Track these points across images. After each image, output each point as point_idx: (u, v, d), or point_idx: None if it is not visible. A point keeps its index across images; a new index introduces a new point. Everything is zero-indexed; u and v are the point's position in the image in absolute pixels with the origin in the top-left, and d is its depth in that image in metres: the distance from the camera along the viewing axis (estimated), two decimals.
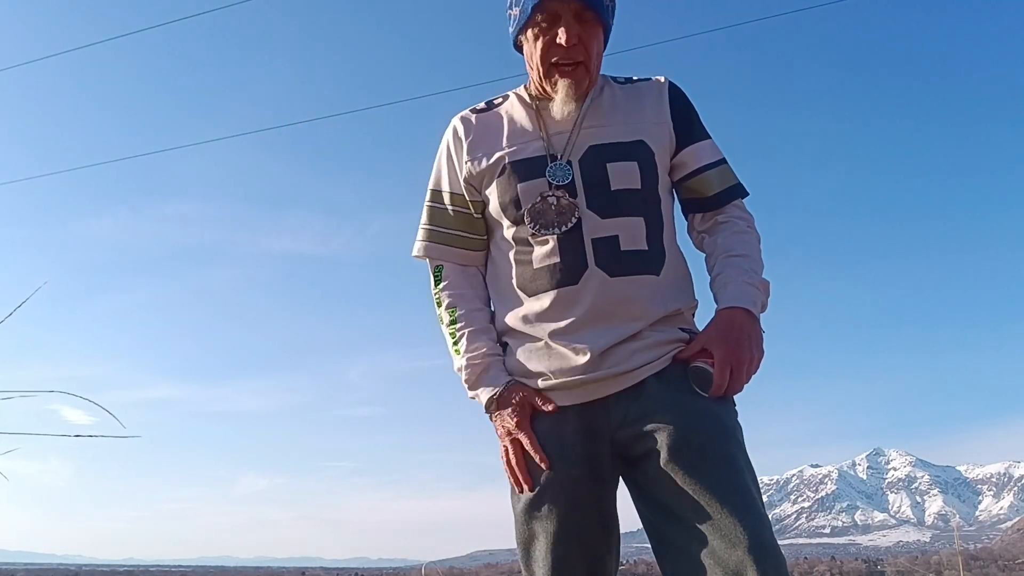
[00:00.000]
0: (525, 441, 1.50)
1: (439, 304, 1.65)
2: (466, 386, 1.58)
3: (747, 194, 1.65)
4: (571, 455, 1.48)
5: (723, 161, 1.64)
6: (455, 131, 1.66)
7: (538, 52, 1.56)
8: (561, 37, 1.52)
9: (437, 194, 1.68)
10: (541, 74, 1.58)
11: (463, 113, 1.69)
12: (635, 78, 1.69)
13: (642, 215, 1.52)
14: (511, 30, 1.63)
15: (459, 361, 1.59)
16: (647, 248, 1.51)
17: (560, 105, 1.56)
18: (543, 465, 1.49)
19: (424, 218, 1.69)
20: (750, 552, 1.31)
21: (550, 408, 1.51)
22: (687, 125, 1.62)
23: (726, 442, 1.42)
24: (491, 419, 1.55)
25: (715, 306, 1.54)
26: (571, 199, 1.51)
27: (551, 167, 1.53)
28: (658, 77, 1.68)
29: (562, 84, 1.55)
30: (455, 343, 1.61)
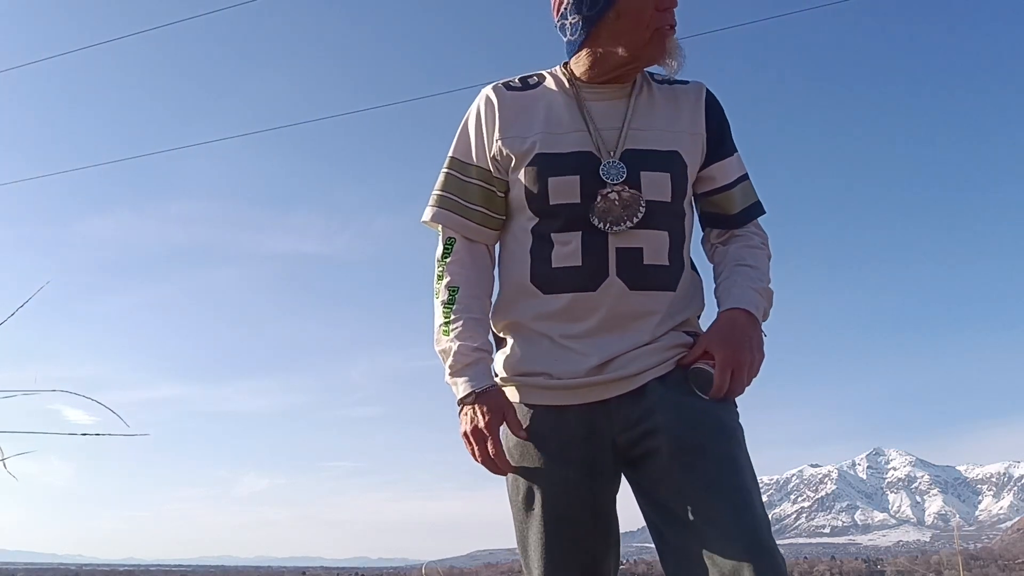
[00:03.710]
0: (490, 445, 1.44)
1: (440, 277, 1.57)
2: (447, 370, 1.52)
3: (764, 212, 1.64)
4: (569, 457, 1.47)
5: (746, 177, 1.63)
6: (488, 102, 1.57)
7: (646, 20, 1.48)
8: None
9: (460, 164, 1.58)
10: (645, 42, 1.50)
11: (497, 85, 1.60)
12: (674, 79, 1.63)
13: (667, 229, 1.50)
14: (590, 11, 1.51)
15: (447, 344, 1.52)
16: (668, 263, 1.49)
17: (676, 64, 1.53)
18: (507, 471, 1.48)
19: (440, 184, 1.59)
20: (747, 552, 1.29)
21: (522, 435, 1.48)
22: (719, 139, 1.60)
23: (726, 442, 1.41)
24: (460, 411, 1.49)
25: (717, 310, 1.54)
26: (632, 190, 1.46)
27: (605, 165, 1.47)
28: (696, 81, 1.65)
29: (672, 42, 1.52)
30: (446, 323, 1.53)
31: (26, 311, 1.71)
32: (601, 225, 1.46)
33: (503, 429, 1.50)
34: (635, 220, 1.45)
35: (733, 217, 1.61)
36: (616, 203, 1.46)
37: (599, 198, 1.46)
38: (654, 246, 1.48)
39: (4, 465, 1.63)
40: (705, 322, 1.57)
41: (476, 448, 1.46)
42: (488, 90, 1.59)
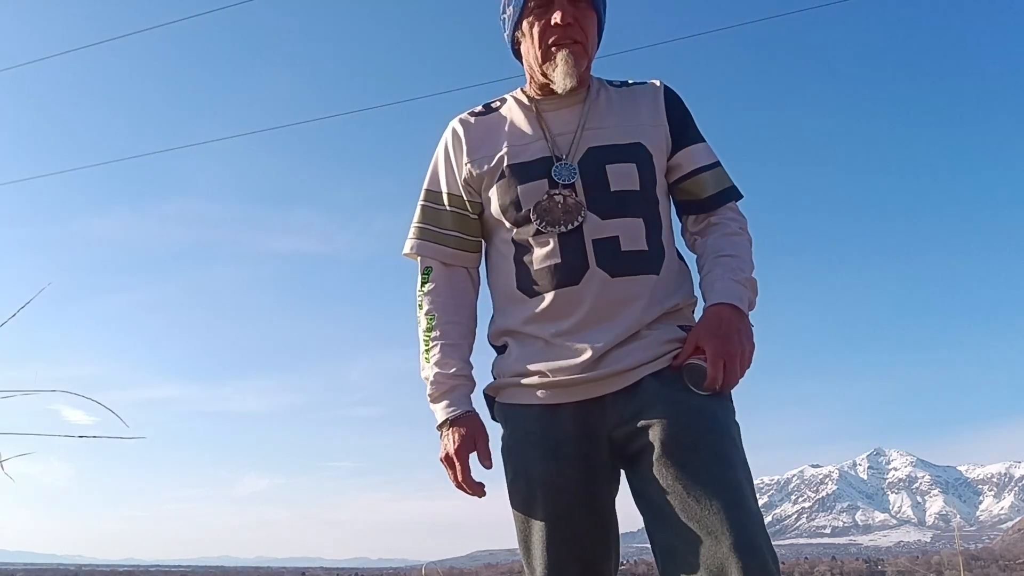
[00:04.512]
0: (458, 469, 1.52)
1: (420, 306, 1.66)
2: (428, 398, 1.61)
3: (741, 197, 1.66)
4: (565, 455, 1.49)
5: (718, 164, 1.65)
6: (454, 133, 1.67)
7: (536, 37, 1.57)
8: (556, 17, 1.54)
9: (433, 194, 1.68)
10: (540, 59, 1.58)
11: (461, 116, 1.69)
12: (630, 81, 1.71)
13: (641, 216, 1.54)
14: (507, 32, 1.65)
15: (427, 371, 1.61)
16: (647, 248, 1.53)
17: (561, 78, 1.55)
18: (478, 495, 1.54)
19: (417, 216, 1.68)
20: (735, 550, 1.30)
21: (488, 464, 1.54)
22: (682, 128, 1.64)
23: (719, 438, 1.42)
24: (440, 437, 1.57)
25: (704, 305, 1.57)
26: (578, 198, 1.52)
27: (556, 166, 1.54)
28: (653, 80, 1.70)
29: (561, 56, 1.55)
30: (427, 351, 1.62)
31: (26, 311, 1.72)
32: (538, 223, 1.52)
33: (509, 420, 1.57)
34: (571, 226, 1.50)
35: (705, 201, 1.63)
36: (559, 205, 1.52)
37: (545, 197, 1.53)
38: (630, 233, 1.51)
39: (2, 467, 1.64)
40: (698, 317, 1.59)
41: (448, 473, 1.55)
42: (453, 122, 1.69)
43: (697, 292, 1.62)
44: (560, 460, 1.48)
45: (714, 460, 1.39)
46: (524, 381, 1.54)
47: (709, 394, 1.46)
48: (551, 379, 1.51)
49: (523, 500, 1.52)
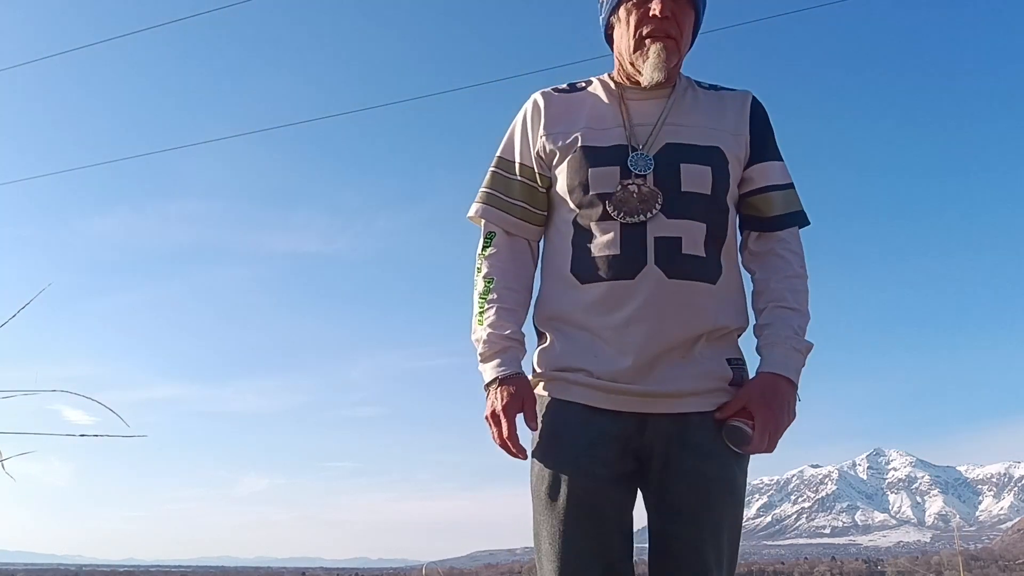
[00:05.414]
0: (504, 425, 1.51)
1: (479, 270, 1.65)
2: (478, 358, 1.60)
3: (808, 223, 1.65)
4: (600, 455, 1.49)
5: (791, 186, 1.64)
6: (535, 104, 1.67)
7: (631, 26, 1.57)
8: (655, 8, 1.53)
9: (505, 162, 1.68)
10: (632, 48, 1.58)
11: (545, 89, 1.70)
12: (720, 86, 1.71)
13: (706, 222, 1.53)
14: (603, 16, 1.65)
15: (480, 332, 1.60)
16: (704, 255, 1.52)
17: (650, 71, 1.56)
18: (520, 456, 1.53)
19: (487, 182, 1.69)
20: None
21: (534, 426, 1.54)
22: (763, 142, 1.63)
23: (728, 513, 1.52)
24: (486, 396, 1.57)
25: (757, 358, 1.57)
26: (653, 187, 1.51)
27: (633, 156, 1.53)
28: (744, 90, 1.69)
29: (653, 48, 1.55)
30: (481, 313, 1.61)
31: (26, 311, 1.71)
32: (614, 213, 1.51)
33: (546, 412, 1.57)
34: (648, 215, 1.49)
35: (770, 220, 1.62)
36: (634, 195, 1.51)
37: (619, 187, 1.52)
38: (692, 236, 1.51)
39: (3, 466, 1.64)
40: (742, 340, 1.62)
41: (493, 431, 1.53)
42: (536, 95, 1.69)
43: (749, 310, 1.63)
44: (594, 459, 1.49)
45: (712, 537, 1.49)
46: (569, 376, 1.54)
47: (740, 453, 1.52)
48: (596, 380, 1.51)
49: (547, 491, 1.52)
